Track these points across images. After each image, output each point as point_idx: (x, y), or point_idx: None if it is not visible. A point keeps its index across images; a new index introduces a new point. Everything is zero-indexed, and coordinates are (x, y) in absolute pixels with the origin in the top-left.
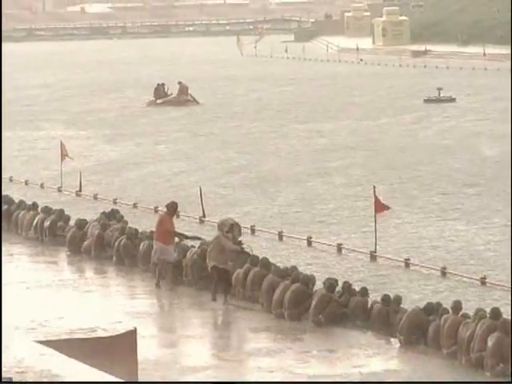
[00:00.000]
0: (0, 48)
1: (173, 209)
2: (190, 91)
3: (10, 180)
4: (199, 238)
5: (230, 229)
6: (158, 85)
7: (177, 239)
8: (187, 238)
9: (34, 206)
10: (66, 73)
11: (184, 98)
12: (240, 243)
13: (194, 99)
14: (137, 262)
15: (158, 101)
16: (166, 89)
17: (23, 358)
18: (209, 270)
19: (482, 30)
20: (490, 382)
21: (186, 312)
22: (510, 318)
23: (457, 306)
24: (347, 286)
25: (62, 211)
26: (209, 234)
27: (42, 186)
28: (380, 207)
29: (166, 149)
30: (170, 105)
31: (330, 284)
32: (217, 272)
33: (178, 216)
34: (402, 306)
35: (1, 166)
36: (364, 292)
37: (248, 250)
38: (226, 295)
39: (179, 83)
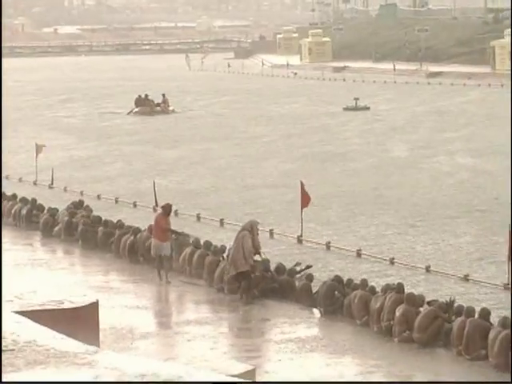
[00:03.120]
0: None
1: (167, 209)
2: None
3: None
4: (188, 235)
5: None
6: (140, 96)
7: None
8: (179, 234)
9: (13, 196)
10: (42, 84)
11: (167, 108)
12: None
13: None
14: (97, 244)
15: (135, 110)
16: (153, 101)
17: (2, 326)
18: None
19: (392, 49)
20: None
21: (140, 287)
22: (411, 291)
23: (363, 283)
24: (279, 265)
25: (35, 201)
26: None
27: (20, 179)
28: (306, 201)
29: (130, 149)
30: (149, 114)
31: (264, 264)
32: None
33: (176, 215)
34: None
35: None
36: (292, 273)
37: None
38: (246, 294)
39: (163, 95)
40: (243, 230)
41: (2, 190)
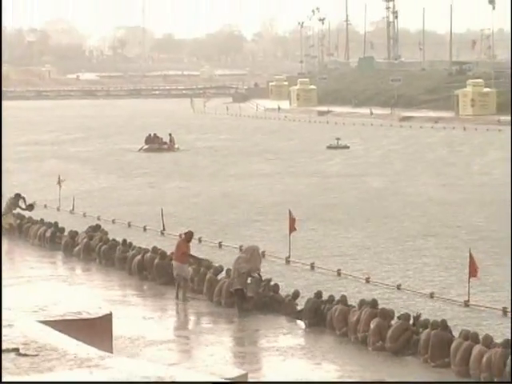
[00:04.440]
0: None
1: (189, 236)
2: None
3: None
4: (208, 261)
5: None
6: (150, 134)
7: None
8: (199, 259)
9: (40, 221)
10: (65, 123)
11: (173, 146)
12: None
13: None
14: (114, 263)
15: (145, 147)
16: (161, 139)
17: (27, 333)
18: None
19: (369, 96)
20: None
21: (149, 300)
22: (387, 307)
23: (343, 299)
24: (268, 281)
25: (57, 224)
26: (169, 243)
27: (45, 206)
28: (293, 226)
29: (141, 181)
30: (157, 151)
31: (256, 281)
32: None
33: (199, 241)
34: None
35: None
36: (276, 288)
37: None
38: (240, 308)
39: (170, 135)
40: (242, 252)
41: (30, 215)
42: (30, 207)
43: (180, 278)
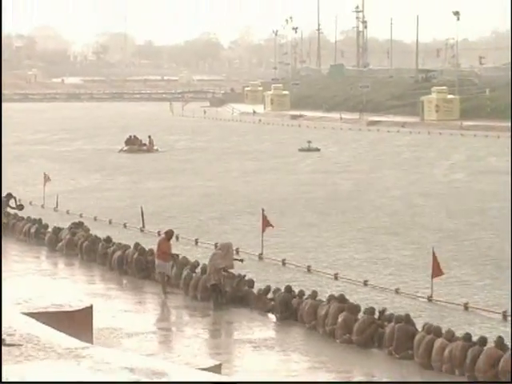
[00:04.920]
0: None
1: (169, 234)
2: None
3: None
4: (185, 258)
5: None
6: (130, 136)
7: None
8: (177, 256)
9: (26, 218)
10: (49, 123)
11: (152, 147)
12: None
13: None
14: (95, 258)
15: (125, 148)
16: (141, 140)
17: (12, 324)
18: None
19: (339, 101)
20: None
21: (128, 293)
22: (354, 302)
23: (313, 294)
24: (242, 277)
25: (41, 221)
26: (150, 240)
27: (30, 203)
28: (267, 224)
29: (123, 180)
30: (137, 152)
31: (231, 278)
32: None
33: (177, 239)
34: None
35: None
36: (251, 284)
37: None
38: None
39: (149, 137)
40: (218, 249)
41: (16, 211)
42: (20, 207)
43: (162, 275)
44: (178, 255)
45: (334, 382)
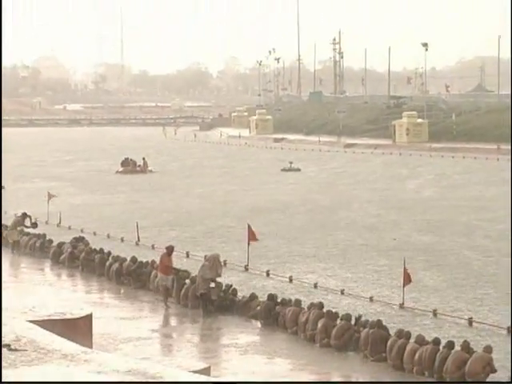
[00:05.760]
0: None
1: (170, 250)
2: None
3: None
4: (187, 272)
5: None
6: (126, 158)
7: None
8: (179, 271)
9: (30, 233)
10: (53, 146)
11: (146, 168)
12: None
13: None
14: (95, 269)
15: (120, 169)
16: (135, 162)
17: (18, 331)
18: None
19: (318, 125)
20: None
21: (125, 302)
22: (332, 309)
23: (297, 302)
24: (229, 286)
25: (45, 235)
26: (145, 253)
27: (35, 220)
28: (253, 238)
29: (120, 198)
30: (131, 173)
31: (219, 287)
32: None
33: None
34: (260, 299)
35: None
36: (235, 292)
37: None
38: (204, 310)
39: (143, 159)
40: (206, 260)
41: (21, 227)
42: (34, 225)
43: (164, 288)
44: (179, 269)
45: (316, 382)
